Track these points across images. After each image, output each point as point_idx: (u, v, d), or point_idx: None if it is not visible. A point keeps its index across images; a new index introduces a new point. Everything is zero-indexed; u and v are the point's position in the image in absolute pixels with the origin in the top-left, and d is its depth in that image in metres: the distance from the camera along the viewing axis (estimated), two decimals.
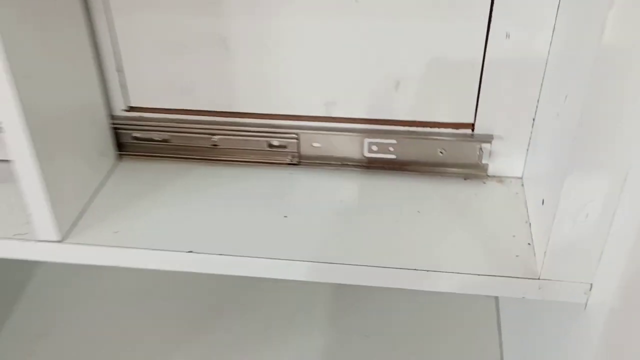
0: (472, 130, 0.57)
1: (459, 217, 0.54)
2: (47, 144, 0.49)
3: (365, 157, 0.59)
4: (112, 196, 0.57)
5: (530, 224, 0.53)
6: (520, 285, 0.48)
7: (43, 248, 0.52)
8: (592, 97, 0.39)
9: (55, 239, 0.52)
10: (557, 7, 0.49)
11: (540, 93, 0.53)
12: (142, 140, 0.61)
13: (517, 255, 0.50)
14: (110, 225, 0.54)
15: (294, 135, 0.59)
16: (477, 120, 0.56)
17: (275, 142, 0.60)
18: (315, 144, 0.59)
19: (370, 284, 0.51)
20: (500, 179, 0.59)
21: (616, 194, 0.42)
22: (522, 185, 0.58)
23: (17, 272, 0.91)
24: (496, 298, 0.83)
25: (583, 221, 0.44)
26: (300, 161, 0.60)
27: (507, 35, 0.51)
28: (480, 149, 0.57)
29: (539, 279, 0.48)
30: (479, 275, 0.49)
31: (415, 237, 0.52)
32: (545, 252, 0.46)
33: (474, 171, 0.59)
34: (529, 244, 0.51)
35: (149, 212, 0.55)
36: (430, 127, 0.57)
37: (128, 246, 0.51)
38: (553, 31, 0.50)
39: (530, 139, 0.56)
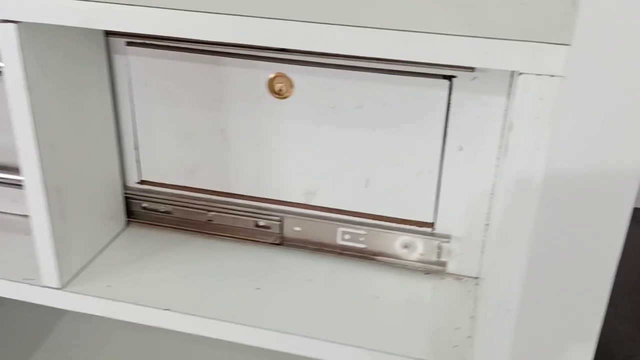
0: (433, 229, 0.63)
1: (412, 307, 0.59)
2: (61, 205, 0.57)
3: (338, 244, 0.66)
4: (115, 256, 0.65)
5: (474, 318, 0.58)
6: None
7: (44, 293, 0.60)
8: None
9: (56, 286, 0.59)
10: (502, 126, 0.56)
11: (491, 199, 0.59)
12: (149, 210, 0.70)
13: (455, 346, 0.55)
14: (105, 280, 0.61)
15: (277, 218, 0.66)
16: (437, 220, 0.62)
17: (261, 223, 0.67)
18: (296, 228, 0.66)
19: (324, 358, 0.56)
20: (458, 276, 0.64)
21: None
22: (477, 284, 0.63)
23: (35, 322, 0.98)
24: None
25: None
26: (283, 242, 0.67)
27: (461, 148, 0.58)
28: (439, 247, 0.63)
29: None
30: (418, 359, 0.54)
31: (369, 320, 0.58)
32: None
33: (434, 267, 0.64)
34: (469, 337, 0.56)
35: (142, 273, 0.63)
36: (396, 222, 0.63)
37: (115, 299, 0.58)
38: (499, 147, 0.57)
39: (484, 242, 0.61)
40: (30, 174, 0.55)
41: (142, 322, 0.58)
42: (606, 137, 0.40)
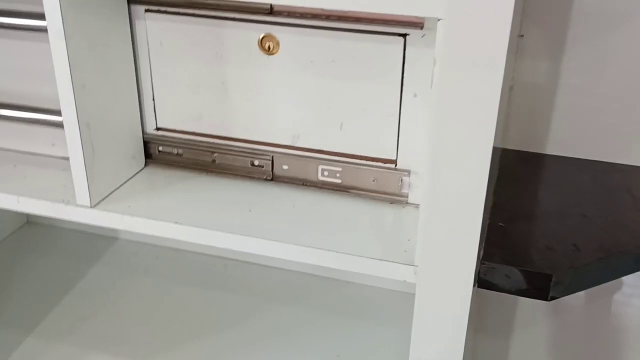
0: (395, 165, 0.75)
1: (376, 226, 0.72)
2: (91, 138, 0.71)
3: (319, 179, 0.79)
4: (134, 187, 0.79)
5: None
6: (401, 269, 0.65)
7: (78, 211, 0.74)
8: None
9: (87, 205, 0.74)
10: None
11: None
12: (164, 153, 0.84)
13: (405, 251, 0.67)
14: (127, 202, 0.75)
15: (269, 158, 0.80)
16: (398, 158, 0.75)
17: (256, 162, 0.80)
18: (284, 166, 0.80)
19: (301, 260, 0.69)
20: (416, 205, 0.76)
21: None
22: None
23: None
24: None
25: None
26: (273, 178, 0.80)
27: (415, 95, 0.71)
28: (401, 180, 0.75)
29: (413, 265, 0.65)
30: (375, 259, 0.66)
31: (340, 233, 0.70)
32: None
33: (397, 198, 0.77)
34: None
35: (157, 198, 0.76)
36: (366, 160, 0.76)
37: (134, 215, 0.72)
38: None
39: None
40: (67, 108, 0.69)
41: (154, 234, 0.72)
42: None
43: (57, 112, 0.79)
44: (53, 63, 0.67)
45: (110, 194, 0.77)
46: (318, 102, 0.75)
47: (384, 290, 1.07)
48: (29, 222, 1.27)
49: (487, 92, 0.53)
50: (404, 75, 0.70)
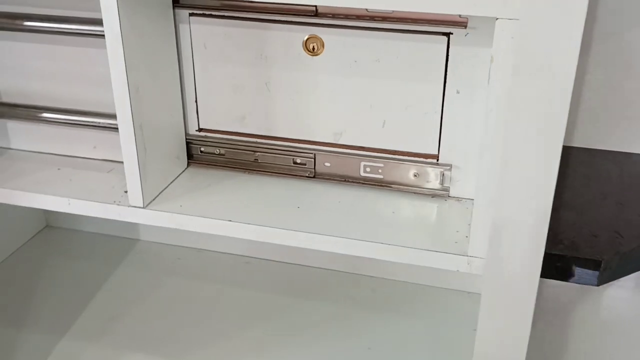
0: (437, 160, 0.78)
1: (422, 220, 0.75)
2: (143, 139, 0.73)
3: (361, 176, 0.81)
4: (181, 187, 0.81)
5: (470, 225, 0.73)
6: (454, 260, 0.68)
7: (132, 211, 0.76)
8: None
9: (140, 205, 0.75)
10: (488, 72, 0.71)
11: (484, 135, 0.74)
12: (205, 153, 0.85)
13: (456, 242, 0.70)
14: (177, 202, 0.77)
15: (311, 156, 0.82)
16: (440, 153, 0.77)
17: (298, 160, 0.83)
18: (326, 164, 0.82)
19: (353, 253, 0.71)
20: (458, 199, 0.79)
21: None
22: (473, 204, 0.78)
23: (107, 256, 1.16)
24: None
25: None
26: (315, 176, 0.83)
27: (458, 92, 0.73)
28: (443, 174, 0.78)
29: (467, 255, 0.68)
30: (428, 250, 0.69)
31: (387, 226, 0.73)
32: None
33: (439, 192, 0.79)
34: (466, 236, 0.71)
35: (205, 197, 0.78)
36: (407, 156, 0.79)
37: (188, 214, 0.74)
38: (488, 89, 0.72)
39: (479, 170, 0.77)
40: (123, 111, 0.70)
41: (210, 232, 0.74)
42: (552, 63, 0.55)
43: (99, 115, 0.81)
44: (110, 66, 0.69)
45: (159, 194, 0.79)
46: (361, 101, 0.77)
47: (409, 285, 1.09)
48: (49, 225, 1.28)
49: (558, 91, 0.55)
50: (447, 73, 0.73)
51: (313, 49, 0.76)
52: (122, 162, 0.74)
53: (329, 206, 0.77)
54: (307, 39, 0.75)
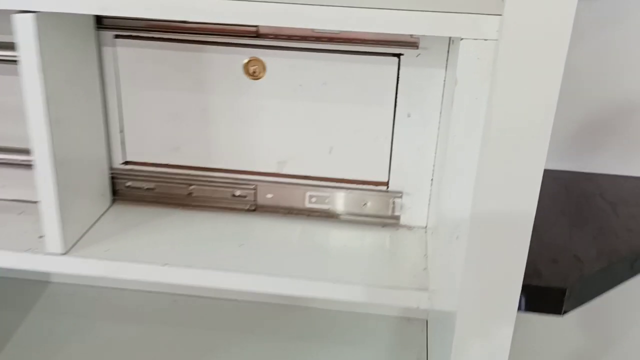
0: (387, 187, 0.74)
1: (374, 252, 0.70)
2: (64, 177, 0.64)
3: (307, 207, 0.76)
4: (106, 227, 0.72)
5: (427, 256, 0.69)
6: (414, 296, 0.64)
7: (50, 259, 0.66)
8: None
9: (60, 252, 0.66)
10: (441, 95, 0.68)
11: (435, 158, 0.71)
12: (132, 188, 0.77)
13: (414, 276, 0.66)
14: (103, 245, 0.68)
15: (252, 187, 0.76)
16: (390, 180, 0.74)
17: (237, 192, 0.76)
18: (268, 195, 0.76)
19: (301, 294, 0.65)
20: (409, 227, 0.75)
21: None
22: (426, 232, 0.74)
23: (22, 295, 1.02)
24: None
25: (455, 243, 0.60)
26: (257, 209, 0.77)
27: (409, 115, 0.70)
28: (394, 202, 0.74)
29: (428, 290, 0.64)
30: (384, 287, 0.64)
31: (337, 262, 0.68)
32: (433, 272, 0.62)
33: (389, 220, 0.75)
34: (424, 269, 0.67)
35: (135, 239, 0.70)
36: (356, 183, 0.74)
37: (116, 259, 0.66)
38: (440, 112, 0.69)
39: (430, 196, 0.73)
40: (41, 146, 0.62)
41: (143, 279, 0.66)
42: (534, 93, 0.52)
43: (9, 150, 0.72)
44: (25, 96, 0.60)
45: (81, 237, 0.70)
46: (306, 127, 0.72)
47: (343, 313, 1.04)
48: None
49: (539, 114, 0.52)
50: (398, 95, 0.70)
51: (254, 72, 0.70)
52: (34, 202, 0.65)
53: (273, 242, 0.71)
54: (248, 61, 0.70)
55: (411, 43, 0.67)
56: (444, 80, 0.68)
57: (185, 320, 0.99)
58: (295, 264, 0.67)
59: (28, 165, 0.66)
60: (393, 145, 0.72)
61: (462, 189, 0.59)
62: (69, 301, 1.05)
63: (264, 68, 0.70)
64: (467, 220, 0.58)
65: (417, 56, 0.68)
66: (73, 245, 0.68)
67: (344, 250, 0.71)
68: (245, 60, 0.70)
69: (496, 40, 0.51)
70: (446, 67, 0.68)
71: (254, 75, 0.70)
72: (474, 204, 0.57)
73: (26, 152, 0.65)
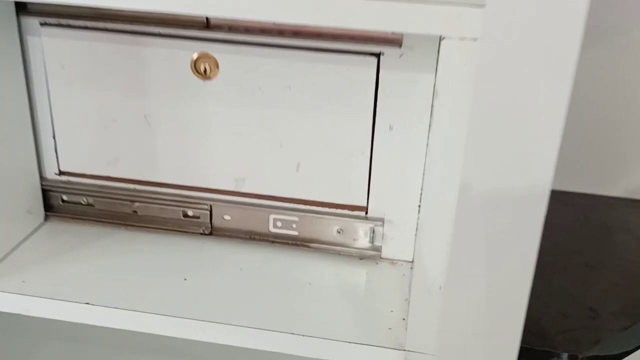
0: (366, 213, 0.63)
1: (347, 293, 0.59)
2: None
3: (270, 232, 0.65)
4: (31, 251, 0.62)
5: (408, 301, 0.57)
6: (386, 355, 0.52)
7: None
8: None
9: None
10: (430, 104, 0.56)
11: (423, 181, 0.59)
12: (69, 202, 0.67)
13: (389, 328, 0.55)
14: (20, 276, 0.58)
15: (206, 207, 0.65)
16: (369, 204, 0.62)
17: (189, 212, 0.66)
18: (226, 217, 0.65)
19: (254, 346, 0.55)
20: (392, 261, 0.64)
21: None
22: (411, 268, 0.63)
23: None
24: None
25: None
26: (212, 232, 0.66)
27: (391, 128, 0.58)
28: (373, 231, 0.63)
29: (404, 350, 0.52)
30: (351, 343, 0.53)
31: (302, 306, 0.57)
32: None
33: (368, 252, 0.64)
34: (403, 319, 0.56)
35: (61, 267, 0.60)
36: (329, 207, 0.63)
37: (29, 294, 0.56)
38: (429, 125, 0.57)
39: (417, 225, 0.62)
40: None
41: (59, 318, 0.56)
42: (524, 99, 0.40)
43: None
44: None
45: None
46: (268, 138, 0.61)
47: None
48: None
49: (545, 130, 0.41)
50: (377, 104, 0.58)
51: (205, 71, 0.59)
52: None
53: (226, 275, 0.61)
54: (197, 58, 0.59)
55: (392, 40, 0.55)
56: (434, 86, 0.56)
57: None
58: (248, 308, 0.56)
59: None
60: (372, 163, 0.60)
61: (442, 225, 0.47)
62: None
63: (216, 66, 0.59)
64: (451, 264, 0.46)
65: (400, 56, 0.56)
66: None
67: (311, 288, 0.59)
68: (194, 57, 0.59)
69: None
70: (436, 70, 0.56)
71: (205, 75, 0.59)
72: (454, 244, 0.45)
73: None
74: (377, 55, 0.56)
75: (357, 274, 0.62)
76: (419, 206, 0.61)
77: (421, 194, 0.60)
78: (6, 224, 0.61)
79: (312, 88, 0.58)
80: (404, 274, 0.62)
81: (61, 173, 0.66)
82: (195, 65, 0.59)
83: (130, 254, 0.63)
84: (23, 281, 0.58)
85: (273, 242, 0.65)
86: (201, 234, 0.66)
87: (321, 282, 0.60)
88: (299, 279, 0.61)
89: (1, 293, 0.56)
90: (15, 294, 0.56)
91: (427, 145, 0.58)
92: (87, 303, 0.55)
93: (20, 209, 0.63)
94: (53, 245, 0.63)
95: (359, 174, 0.61)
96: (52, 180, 0.67)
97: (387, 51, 0.56)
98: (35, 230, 0.65)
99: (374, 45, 0.56)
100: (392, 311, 0.57)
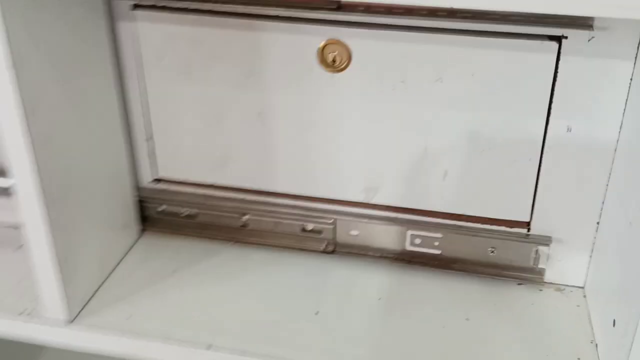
0: (528, 230, 0.53)
1: (514, 330, 0.50)
2: (63, 213, 0.47)
3: (406, 250, 0.56)
4: (130, 274, 0.56)
5: (596, 345, 0.48)
6: None
7: (49, 330, 0.50)
8: None
9: (63, 318, 0.50)
10: (624, 101, 0.46)
11: (606, 194, 0.50)
12: (167, 214, 0.60)
13: None
14: (124, 308, 0.52)
15: (330, 221, 0.57)
16: (533, 219, 0.53)
17: (309, 227, 0.58)
18: (352, 232, 0.57)
19: None
20: (558, 287, 0.54)
21: None
22: (585, 296, 0.53)
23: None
24: None
25: None
26: (336, 249, 0.58)
27: (569, 129, 0.48)
28: (537, 251, 0.53)
29: None
30: None
31: (462, 349, 0.48)
32: None
33: (529, 275, 0.55)
34: None
35: (168, 296, 0.53)
36: (481, 222, 0.54)
37: (140, 334, 0.49)
38: (621, 127, 0.47)
39: (594, 244, 0.52)
40: (24, 177, 0.44)
41: None
42: None
43: None
44: None
45: (95, 292, 0.53)
46: (410, 141, 0.52)
47: None
48: None
49: None
50: (553, 99, 0.48)
51: (334, 61, 0.50)
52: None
53: (365, 307, 0.53)
54: (325, 45, 0.50)
55: (580, 21, 0.45)
56: (631, 79, 0.46)
57: None
58: (390, 350, 0.48)
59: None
60: (541, 171, 0.51)
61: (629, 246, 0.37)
62: None
63: (348, 55, 0.50)
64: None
65: (588, 40, 0.45)
66: (84, 306, 0.52)
67: (463, 325, 0.51)
68: (322, 44, 0.50)
69: None
70: (636, 57, 0.45)
71: (334, 66, 0.50)
72: None
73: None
74: (558, 39, 0.46)
75: (522, 305, 0.53)
76: (597, 223, 0.51)
77: (601, 209, 0.51)
78: (102, 244, 0.54)
79: (470, 80, 0.49)
80: (578, 305, 0.53)
81: (158, 180, 0.59)
82: (322, 54, 0.50)
83: (242, 277, 0.56)
84: (129, 316, 0.51)
85: (409, 262, 0.57)
86: (322, 251, 0.58)
87: (479, 317, 0.51)
88: (450, 312, 0.52)
89: (107, 332, 0.49)
90: (123, 333, 0.49)
91: (615, 150, 0.48)
92: (210, 346, 0.48)
93: (114, 225, 0.56)
94: (153, 267, 0.57)
95: (522, 184, 0.52)
96: (147, 189, 0.59)
97: (572, 34, 0.46)
98: (131, 247, 0.59)
99: (555, 26, 0.46)
100: (578, 359, 0.47)
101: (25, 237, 0.47)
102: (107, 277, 0.55)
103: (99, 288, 0.54)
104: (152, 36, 0.53)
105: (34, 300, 0.51)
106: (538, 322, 0.51)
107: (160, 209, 0.60)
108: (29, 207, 0.46)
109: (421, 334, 0.50)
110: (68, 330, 0.50)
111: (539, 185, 0.51)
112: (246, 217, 0.58)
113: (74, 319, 0.50)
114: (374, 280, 0.55)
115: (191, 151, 0.57)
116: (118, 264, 0.57)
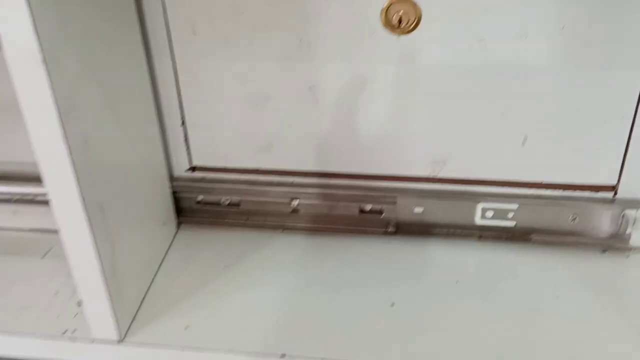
0: (614, 193, 0.50)
1: (607, 305, 0.47)
2: (104, 220, 0.42)
3: (476, 224, 0.52)
4: (176, 276, 0.51)
5: None
6: None
7: (97, 351, 0.45)
8: None
9: (113, 337, 0.45)
10: None
11: None
12: (206, 204, 0.55)
13: None
14: (178, 317, 0.47)
15: (391, 199, 0.52)
16: (620, 183, 0.49)
17: (368, 207, 0.53)
18: (417, 210, 0.52)
19: None
20: None
21: None
22: None
23: None
24: None
25: None
26: (398, 230, 0.53)
27: None
28: (623, 215, 0.50)
29: None
30: None
31: (560, 332, 0.45)
32: None
33: (613, 242, 0.51)
34: None
35: (223, 298, 0.48)
36: (562, 189, 0.50)
37: (203, 347, 0.44)
38: None
39: None
40: (61, 186, 0.39)
41: None
42: None
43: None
44: (22, 104, 0.36)
45: (142, 301, 0.48)
46: (485, 105, 0.47)
47: None
48: None
49: None
50: None
51: (400, 21, 0.45)
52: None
53: (443, 294, 0.48)
54: (390, 5, 0.44)
55: None
56: None
57: None
58: (484, 345, 0.45)
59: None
60: (633, 130, 0.47)
61: None
62: None
63: (416, 14, 0.44)
64: None
65: None
66: (133, 320, 0.47)
67: (554, 304, 0.47)
68: (385, 3, 0.44)
69: None
70: None
71: (399, 27, 0.45)
72: None
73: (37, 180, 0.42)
74: None
75: (609, 275, 0.50)
76: None
77: None
78: (144, 246, 0.49)
79: (556, 34, 0.44)
80: None
81: (193, 169, 0.53)
82: (386, 14, 0.45)
83: (300, 268, 0.51)
84: (186, 327, 0.46)
85: (480, 237, 0.53)
86: (383, 233, 0.54)
87: (568, 293, 0.48)
88: (538, 290, 0.48)
89: (166, 348, 0.45)
90: (185, 348, 0.44)
91: None
92: (283, 355, 0.44)
93: (155, 223, 0.51)
94: (201, 265, 0.52)
95: (611, 145, 0.48)
96: (182, 179, 0.54)
97: None
98: (171, 244, 0.54)
99: None
100: None
101: (65, 251, 0.42)
102: (153, 282, 0.50)
103: (145, 296, 0.49)
104: (182, 6, 0.46)
105: (76, 316, 0.46)
106: (630, 293, 0.48)
107: (198, 198, 0.54)
108: (68, 219, 0.40)
109: (511, 320, 0.46)
110: (121, 348, 0.45)
111: (629, 146, 0.48)
112: (296, 201, 0.53)
113: (125, 336, 0.45)
114: (446, 261, 0.51)
115: (230, 135, 0.51)
116: (160, 265, 0.51)
